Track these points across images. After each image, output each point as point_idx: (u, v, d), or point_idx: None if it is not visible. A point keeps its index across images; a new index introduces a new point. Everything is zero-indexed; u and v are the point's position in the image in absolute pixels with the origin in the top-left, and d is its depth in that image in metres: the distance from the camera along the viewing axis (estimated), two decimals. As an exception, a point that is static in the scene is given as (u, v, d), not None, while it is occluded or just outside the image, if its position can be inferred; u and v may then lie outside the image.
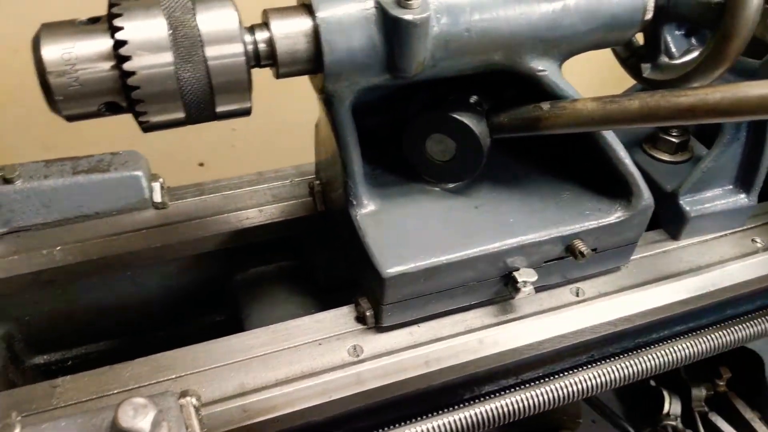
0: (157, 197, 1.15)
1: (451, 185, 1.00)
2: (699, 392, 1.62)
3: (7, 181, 1.06)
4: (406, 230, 0.93)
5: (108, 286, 1.15)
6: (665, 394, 1.67)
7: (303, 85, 0.87)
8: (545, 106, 0.83)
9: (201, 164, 2.66)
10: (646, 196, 0.98)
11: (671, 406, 1.65)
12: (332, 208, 1.12)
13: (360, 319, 0.98)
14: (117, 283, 1.15)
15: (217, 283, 1.24)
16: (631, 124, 0.76)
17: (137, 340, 1.28)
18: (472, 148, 0.93)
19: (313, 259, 1.28)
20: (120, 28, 0.65)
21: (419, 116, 0.95)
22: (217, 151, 2.31)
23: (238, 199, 1.20)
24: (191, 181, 2.76)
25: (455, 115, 0.91)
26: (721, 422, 1.57)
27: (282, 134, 2.13)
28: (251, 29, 0.74)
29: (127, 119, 0.72)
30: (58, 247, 1.06)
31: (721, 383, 1.58)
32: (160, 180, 1.17)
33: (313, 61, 0.76)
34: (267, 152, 2.43)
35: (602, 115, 0.77)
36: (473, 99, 0.93)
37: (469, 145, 0.93)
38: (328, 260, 1.29)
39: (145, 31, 0.66)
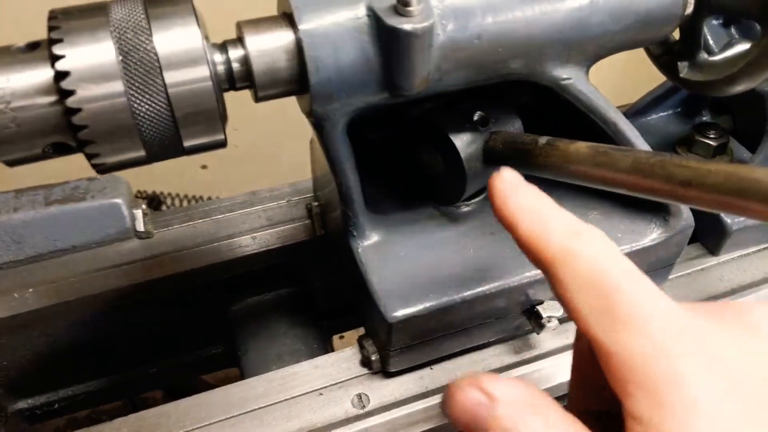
0: (140, 226, 1.05)
1: (465, 208, 0.89)
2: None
3: (-28, 216, 0.95)
4: (414, 264, 0.82)
5: (90, 326, 1.04)
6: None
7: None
8: (541, 140, 0.69)
9: (204, 167, 2.57)
10: (686, 215, 0.86)
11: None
12: (332, 231, 1.01)
13: (365, 363, 0.87)
14: (99, 321, 1.04)
15: (211, 315, 1.13)
16: (617, 186, 0.61)
17: (128, 377, 1.17)
18: (456, 172, 0.81)
19: (314, 285, 1.18)
20: (61, 57, 0.54)
21: (416, 119, 0.85)
22: (219, 152, 2.21)
23: (230, 223, 1.09)
24: (196, 184, 2.66)
25: (446, 131, 0.80)
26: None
27: (285, 133, 2.03)
28: (223, 46, 0.63)
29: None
30: (30, 289, 0.95)
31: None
32: (143, 206, 1.06)
33: (296, 82, 0.64)
34: (271, 152, 2.34)
35: (590, 167, 0.63)
36: (477, 115, 0.81)
37: (453, 167, 0.81)
38: (329, 285, 1.19)
39: (91, 59, 0.54)
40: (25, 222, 0.98)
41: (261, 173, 2.35)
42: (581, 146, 0.66)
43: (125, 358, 1.15)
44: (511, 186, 0.54)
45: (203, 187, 2.54)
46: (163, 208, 2.48)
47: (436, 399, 0.83)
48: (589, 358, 0.53)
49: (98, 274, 0.99)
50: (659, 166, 0.57)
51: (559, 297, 0.48)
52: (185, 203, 2.49)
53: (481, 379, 0.47)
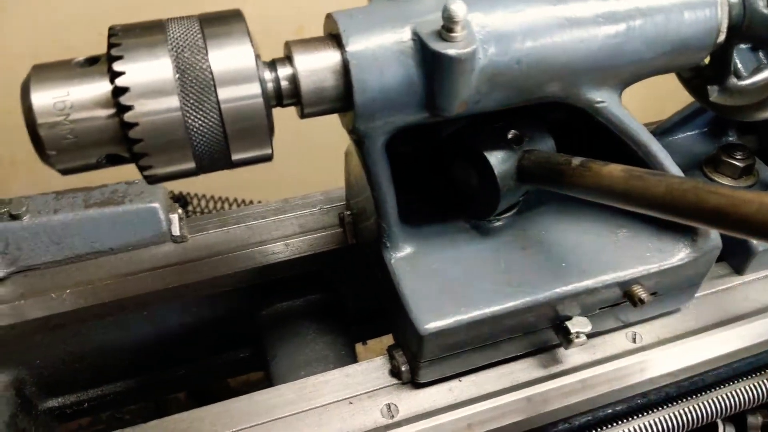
0: (176, 230, 1.07)
1: (496, 223, 0.90)
2: (755, 419, 1.50)
3: (14, 217, 0.98)
4: (446, 277, 0.84)
5: (123, 327, 1.07)
6: (719, 421, 1.56)
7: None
8: (575, 161, 0.72)
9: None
10: (713, 236, 0.87)
11: (725, 434, 1.54)
12: (364, 241, 1.03)
13: (395, 373, 0.88)
14: (133, 323, 1.07)
15: (241, 319, 1.15)
16: (650, 209, 0.63)
17: (156, 378, 1.20)
18: (490, 188, 0.83)
19: (344, 291, 1.20)
20: (121, 73, 0.56)
21: (451, 136, 0.87)
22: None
23: (263, 230, 1.11)
24: (223, 185, 2.69)
25: (481, 149, 0.82)
26: (778, 451, 1.45)
27: (315, 137, 2.04)
28: (272, 64, 0.65)
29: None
30: (68, 290, 0.98)
31: (780, 412, 1.46)
32: (179, 211, 1.09)
33: (342, 100, 0.67)
34: (300, 156, 2.35)
35: (623, 190, 0.65)
36: (511, 134, 0.83)
37: (487, 183, 0.83)
38: (359, 291, 1.20)
39: (149, 75, 0.57)
40: (64, 224, 1.01)
41: (289, 176, 2.37)
42: (615, 169, 0.67)
43: (155, 359, 1.17)
44: None
45: (230, 189, 2.56)
46: (189, 208, 2.51)
47: (465, 411, 0.85)
48: None
49: (134, 276, 1.02)
50: (692, 193, 0.58)
51: None
52: (211, 204, 2.52)
53: None
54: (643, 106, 1.34)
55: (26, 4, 1.83)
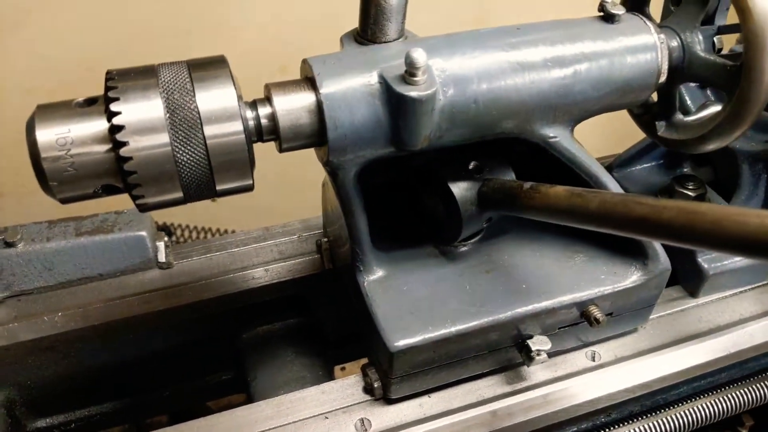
0: (162, 257, 1.13)
1: (462, 248, 0.97)
2: (726, 438, 1.57)
3: (9, 244, 1.04)
4: (415, 298, 0.90)
5: (111, 349, 1.12)
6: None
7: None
8: (526, 185, 0.79)
9: (214, 199, 2.65)
10: (663, 260, 0.95)
11: (692, 455, 1.59)
12: (340, 266, 1.09)
13: (368, 389, 0.94)
14: (120, 345, 1.12)
15: (223, 342, 1.21)
16: (589, 223, 0.70)
17: (142, 399, 1.25)
18: (454, 215, 0.90)
19: (321, 315, 1.26)
20: (117, 113, 0.63)
21: (418, 168, 0.94)
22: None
23: (245, 257, 1.18)
24: (206, 216, 2.73)
25: (444, 179, 0.89)
26: (743, 472, 1.51)
27: (294, 169, 2.11)
28: (253, 104, 0.72)
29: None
30: (60, 313, 1.04)
31: (743, 431, 1.52)
32: (165, 239, 1.15)
33: (316, 136, 0.74)
34: (279, 187, 2.41)
35: (566, 206, 0.72)
36: (472, 165, 0.90)
37: (451, 210, 0.90)
38: (335, 315, 1.26)
39: (142, 115, 0.64)
40: (56, 251, 1.07)
41: (269, 207, 2.43)
42: (559, 189, 0.75)
43: (141, 380, 1.22)
44: None
45: (212, 219, 2.62)
46: (173, 238, 2.56)
47: (433, 425, 0.91)
48: None
49: (122, 300, 1.07)
50: (621, 204, 0.65)
51: None
52: (194, 234, 2.57)
53: None
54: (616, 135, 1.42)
55: (22, 40, 1.89)
